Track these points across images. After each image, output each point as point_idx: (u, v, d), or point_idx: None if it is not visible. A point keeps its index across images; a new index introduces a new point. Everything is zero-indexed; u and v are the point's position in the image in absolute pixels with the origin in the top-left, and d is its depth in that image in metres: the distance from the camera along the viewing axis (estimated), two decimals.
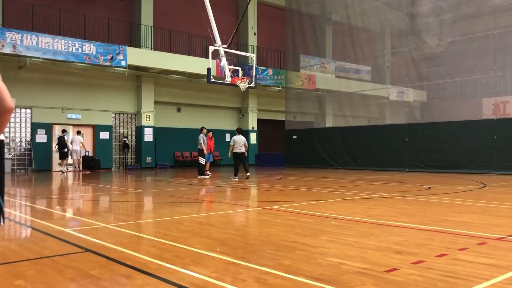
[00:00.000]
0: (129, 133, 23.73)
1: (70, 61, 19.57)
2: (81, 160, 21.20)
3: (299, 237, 5.05)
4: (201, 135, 15.72)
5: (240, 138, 14.87)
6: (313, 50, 26.61)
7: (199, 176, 15.58)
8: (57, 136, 20.49)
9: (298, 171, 20.56)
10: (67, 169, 20.16)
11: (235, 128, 26.95)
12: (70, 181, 15.51)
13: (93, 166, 21.20)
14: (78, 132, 20.90)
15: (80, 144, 20.43)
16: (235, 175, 14.85)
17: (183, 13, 24.33)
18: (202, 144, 15.58)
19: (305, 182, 13.99)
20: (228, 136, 25.68)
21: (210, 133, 16.98)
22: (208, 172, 16.50)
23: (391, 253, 4.24)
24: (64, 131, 20.60)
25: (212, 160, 17.30)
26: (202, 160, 15.80)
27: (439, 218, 6.43)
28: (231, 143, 14.92)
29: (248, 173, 14.73)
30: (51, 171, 20.61)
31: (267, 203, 8.64)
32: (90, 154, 22.27)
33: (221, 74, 19.11)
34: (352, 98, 24.24)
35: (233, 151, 14.89)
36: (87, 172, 20.32)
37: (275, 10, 28.52)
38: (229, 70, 15.94)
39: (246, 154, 15.16)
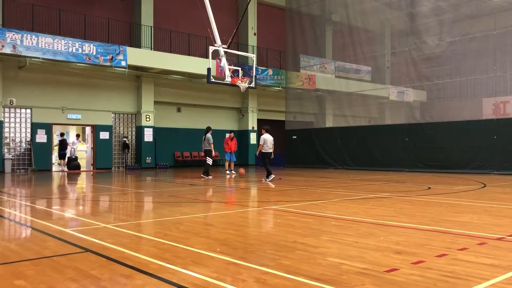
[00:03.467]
0: (129, 133, 23.73)
1: (70, 61, 19.55)
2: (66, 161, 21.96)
3: (299, 237, 5.05)
4: (208, 135, 15.86)
5: (270, 138, 14.19)
6: (313, 50, 26.61)
7: (203, 177, 15.54)
8: (60, 139, 21.68)
9: (298, 171, 20.56)
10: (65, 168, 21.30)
11: (235, 128, 27.21)
12: (69, 181, 15.51)
13: (71, 167, 21.76)
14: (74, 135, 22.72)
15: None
16: (268, 176, 13.96)
17: (183, 13, 24.32)
18: (212, 144, 15.77)
19: (305, 182, 13.98)
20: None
21: (232, 134, 17.70)
22: (233, 172, 17.41)
23: (391, 253, 4.24)
24: (62, 134, 21.95)
25: (235, 159, 17.76)
26: (209, 160, 15.83)
27: (439, 218, 6.44)
28: (261, 142, 14.21)
29: (270, 176, 13.96)
30: (51, 171, 20.63)
31: (267, 203, 8.65)
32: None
33: (221, 74, 19.11)
34: (352, 98, 24.25)
35: (263, 150, 14.16)
36: (71, 172, 20.84)
37: (275, 10, 28.51)
38: (229, 70, 15.94)
39: (273, 156, 14.49)
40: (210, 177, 15.53)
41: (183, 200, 9.01)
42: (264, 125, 14.94)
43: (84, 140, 24.53)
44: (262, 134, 14.41)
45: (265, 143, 14.12)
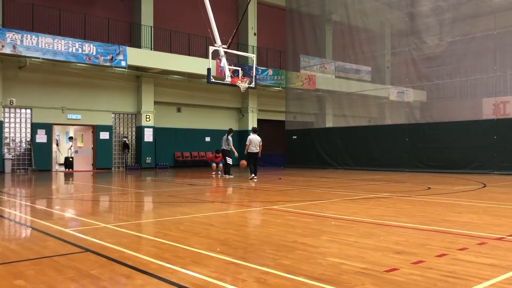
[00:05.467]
0: (129, 133, 23.73)
1: (70, 61, 19.56)
2: None
3: (299, 237, 5.05)
4: (229, 136, 16.28)
5: (256, 138, 14.59)
6: (313, 50, 26.60)
7: (226, 176, 15.89)
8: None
9: (298, 171, 20.56)
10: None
11: (235, 128, 27.17)
12: (69, 181, 15.50)
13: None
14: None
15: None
16: (254, 174, 14.47)
17: (183, 13, 24.32)
18: (232, 146, 16.30)
19: (305, 182, 13.99)
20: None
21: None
22: (219, 172, 17.42)
23: (391, 253, 4.24)
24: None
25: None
26: (229, 160, 16.19)
27: (439, 218, 6.44)
28: (247, 143, 14.66)
29: (254, 175, 14.39)
30: (51, 171, 20.63)
31: (267, 203, 8.65)
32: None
33: (221, 74, 19.10)
34: (352, 98, 24.24)
35: (248, 150, 14.58)
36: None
37: (275, 10, 28.50)
38: (229, 70, 15.95)
39: (260, 155, 14.77)
40: (232, 176, 15.89)
41: (183, 200, 9.01)
42: (252, 126, 15.50)
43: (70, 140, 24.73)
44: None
45: (251, 143, 14.51)
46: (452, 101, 21.32)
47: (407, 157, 20.07)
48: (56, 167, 22.23)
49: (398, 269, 3.66)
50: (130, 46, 21.45)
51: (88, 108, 21.97)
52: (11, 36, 17.51)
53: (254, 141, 14.50)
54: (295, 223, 6.00)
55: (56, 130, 22.50)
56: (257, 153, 14.57)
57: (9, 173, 19.31)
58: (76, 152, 22.59)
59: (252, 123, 27.04)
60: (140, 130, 23.48)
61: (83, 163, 22.31)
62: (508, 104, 19.39)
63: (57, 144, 23.01)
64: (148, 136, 23.53)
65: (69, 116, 21.48)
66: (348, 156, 22.56)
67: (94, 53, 19.55)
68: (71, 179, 16.36)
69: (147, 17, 23.00)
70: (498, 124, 17.64)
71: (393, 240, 4.85)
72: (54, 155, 22.18)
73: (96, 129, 22.42)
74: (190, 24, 23.65)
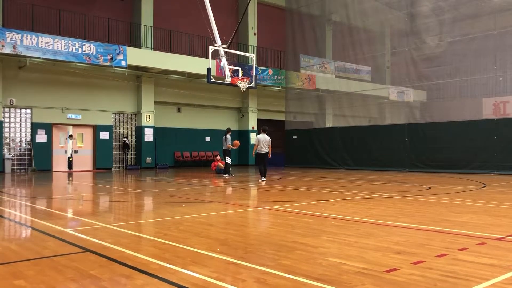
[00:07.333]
0: (129, 133, 23.72)
1: (70, 61, 19.55)
2: None
3: (299, 237, 5.05)
4: (228, 136, 16.19)
5: (264, 138, 14.09)
6: (313, 50, 26.61)
7: (225, 176, 15.88)
8: None
9: (298, 171, 20.56)
10: None
11: (235, 128, 27.20)
12: (69, 181, 15.50)
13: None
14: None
15: None
16: (263, 176, 13.98)
17: (183, 13, 24.32)
18: (230, 145, 16.16)
19: (305, 182, 13.98)
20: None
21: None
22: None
23: (391, 253, 4.24)
24: None
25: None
26: (229, 160, 16.16)
27: (439, 218, 6.44)
28: (255, 142, 14.23)
29: (264, 178, 13.91)
30: (51, 171, 20.62)
31: (267, 203, 8.64)
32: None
33: (221, 74, 19.10)
34: (352, 98, 24.25)
35: (257, 151, 14.17)
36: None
37: (275, 10, 28.51)
38: (229, 70, 15.95)
39: (270, 156, 14.27)
40: (232, 176, 15.87)
41: (183, 200, 9.01)
42: (262, 126, 15.06)
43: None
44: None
45: (259, 143, 14.12)
46: (452, 101, 21.33)
47: (407, 157, 20.07)
48: (66, 167, 22.15)
49: (398, 269, 3.66)
50: (130, 46, 21.44)
51: (88, 108, 21.96)
52: (11, 36, 17.50)
53: (263, 141, 14.07)
54: (295, 223, 6.00)
55: (57, 130, 22.33)
56: (266, 153, 14.10)
57: (9, 173, 19.31)
58: (76, 152, 22.54)
59: (252, 123, 27.06)
60: (140, 130, 23.48)
61: (83, 163, 22.28)
62: (508, 104, 19.40)
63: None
64: (148, 136, 23.53)
65: (69, 116, 21.48)
66: (348, 156, 22.56)
67: (94, 53, 19.55)
68: (71, 179, 16.36)
69: (147, 17, 23.01)
70: (498, 124, 17.64)
71: (393, 240, 4.85)
72: (64, 155, 22.11)
73: (96, 129, 22.42)
74: (190, 24, 23.65)
